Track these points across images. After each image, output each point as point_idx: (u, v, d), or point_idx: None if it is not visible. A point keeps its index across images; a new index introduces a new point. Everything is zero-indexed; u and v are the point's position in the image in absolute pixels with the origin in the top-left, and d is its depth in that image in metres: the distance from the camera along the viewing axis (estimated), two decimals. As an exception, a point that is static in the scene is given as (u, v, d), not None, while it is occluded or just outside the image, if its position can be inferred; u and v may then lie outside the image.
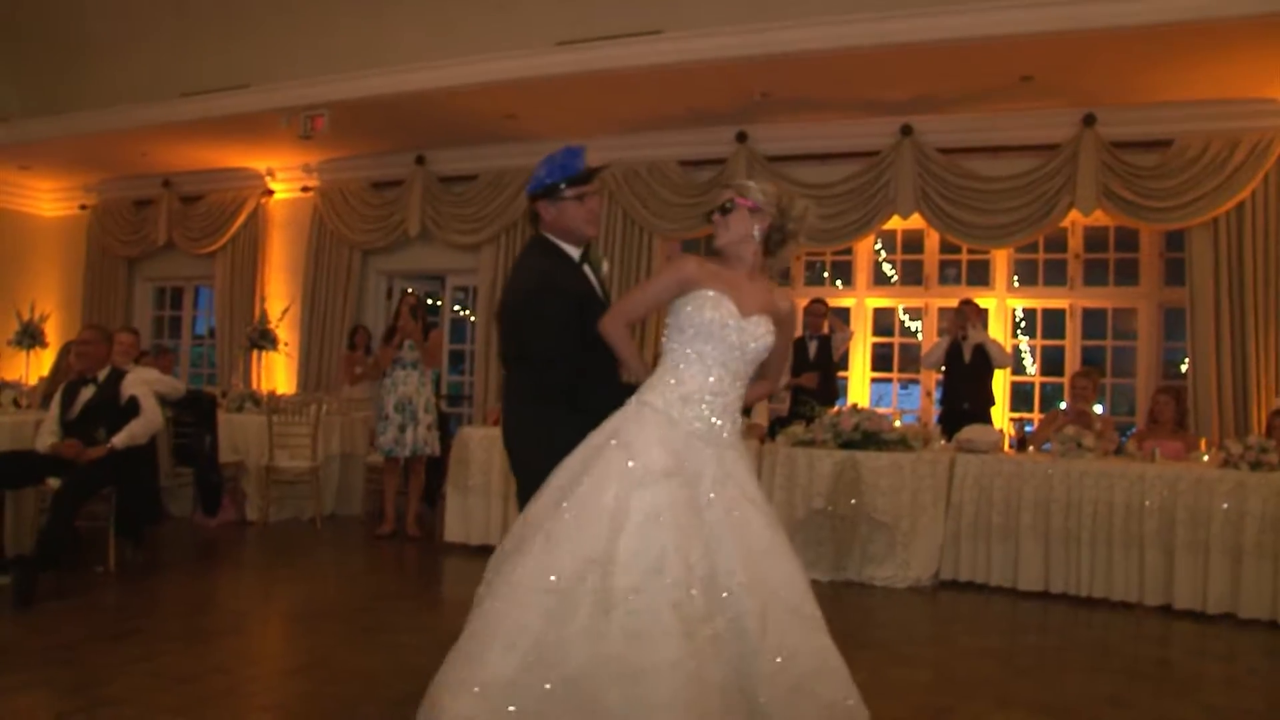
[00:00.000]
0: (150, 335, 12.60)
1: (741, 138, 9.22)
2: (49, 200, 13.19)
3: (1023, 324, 9.40)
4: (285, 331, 11.13)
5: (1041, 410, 9.09)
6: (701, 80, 8.10)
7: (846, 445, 6.77)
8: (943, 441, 7.22)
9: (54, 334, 11.38)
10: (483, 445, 7.48)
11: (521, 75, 8.35)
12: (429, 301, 11.64)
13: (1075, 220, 8.63)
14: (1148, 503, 6.11)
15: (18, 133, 10.86)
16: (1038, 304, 9.16)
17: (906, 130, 8.72)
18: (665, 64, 7.90)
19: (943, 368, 8.42)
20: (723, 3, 7.77)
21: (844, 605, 6.16)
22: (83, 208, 12.88)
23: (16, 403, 7.36)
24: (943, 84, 8.05)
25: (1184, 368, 8.43)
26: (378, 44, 8.93)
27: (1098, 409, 7.72)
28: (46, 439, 6.23)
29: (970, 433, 7.00)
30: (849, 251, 9.53)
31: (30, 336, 11.31)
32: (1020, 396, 9.37)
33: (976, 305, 8.47)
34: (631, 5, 8.03)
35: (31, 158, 11.61)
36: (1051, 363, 9.21)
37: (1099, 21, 6.70)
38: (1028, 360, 9.50)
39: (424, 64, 8.57)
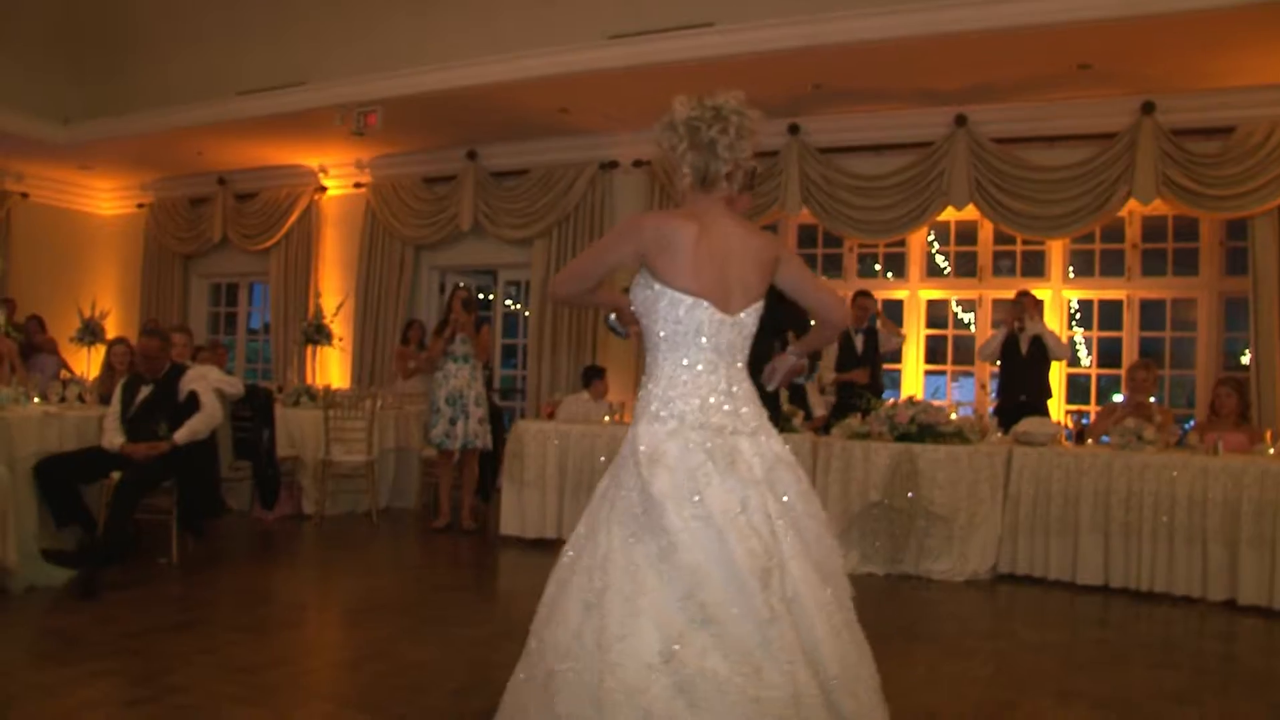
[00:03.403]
0: (206, 331, 12.83)
1: (794, 130, 9.17)
2: (108, 199, 13.45)
3: (1078, 315, 9.27)
4: (339, 326, 11.25)
5: (1098, 403, 8.96)
6: (753, 72, 8.04)
7: (903, 438, 6.71)
8: (999, 434, 7.14)
9: (113, 330, 11.57)
10: (538, 439, 7.52)
11: (572, 70, 8.38)
12: (481, 296, 11.72)
13: (1133, 210, 8.48)
14: (1211, 496, 6.00)
15: (77, 134, 11.08)
16: (1094, 295, 9.02)
17: (961, 120, 8.63)
18: (716, 56, 7.87)
19: (999, 360, 8.31)
20: (775, -6, 7.73)
21: (901, 599, 6.12)
22: (140, 206, 13.14)
23: (81, 398, 7.50)
24: (998, 73, 7.95)
25: (1245, 359, 8.26)
26: (429, 40, 8.99)
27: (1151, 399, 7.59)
28: (115, 438, 6.31)
29: (1027, 425, 6.91)
30: (902, 243, 9.44)
31: (91, 333, 11.52)
32: (1076, 389, 9.24)
33: (1034, 296, 8.36)
34: (682, -2, 8.03)
35: (91, 158, 11.85)
36: (1108, 355, 9.07)
37: (1159, 7, 6.57)
38: (1084, 352, 9.37)
39: (475, 60, 8.62)
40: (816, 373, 8.27)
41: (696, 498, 2.55)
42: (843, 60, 7.82)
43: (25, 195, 12.50)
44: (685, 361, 2.75)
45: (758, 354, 2.93)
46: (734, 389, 2.74)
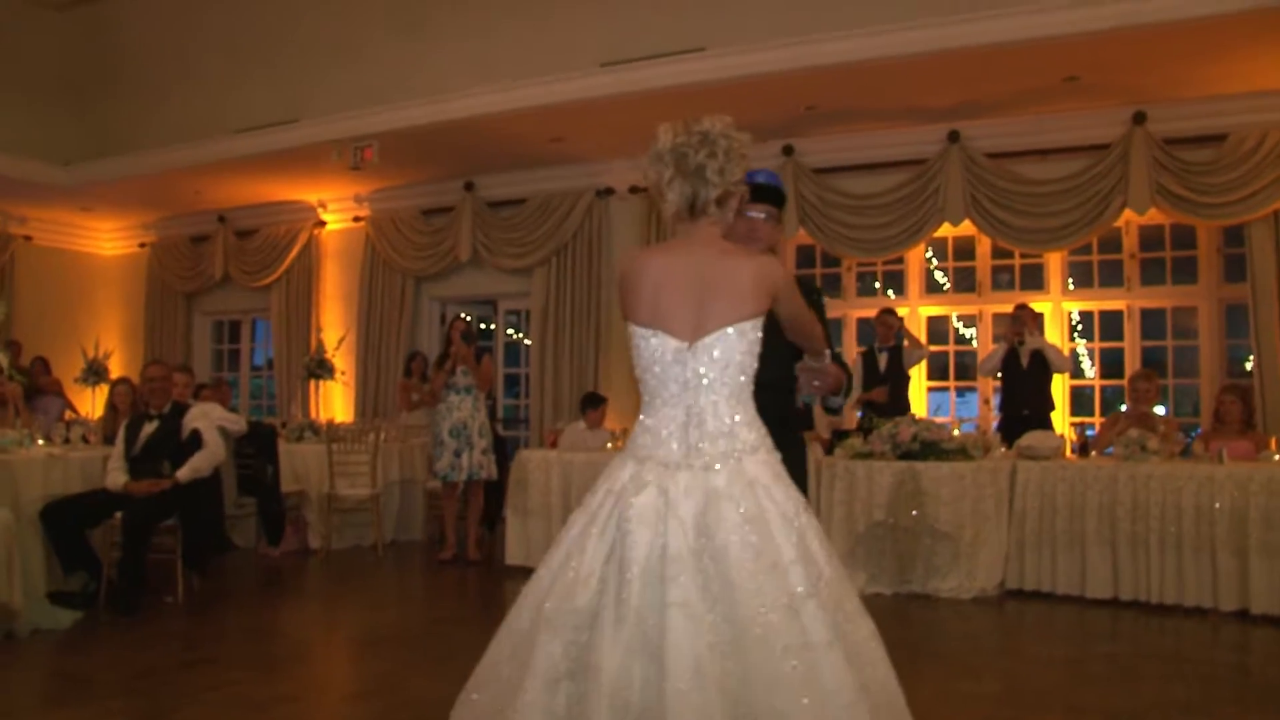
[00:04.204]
0: (210, 368, 12.86)
1: (788, 151, 9.20)
2: (110, 240, 13.52)
3: (1080, 327, 9.26)
4: (341, 360, 11.27)
5: (1102, 414, 8.94)
6: (746, 95, 8.08)
7: (905, 456, 6.71)
8: (1003, 449, 7.13)
9: (117, 370, 11.61)
10: (541, 468, 7.52)
11: (565, 98, 8.41)
12: (482, 326, 11.75)
13: (1130, 220, 8.49)
14: (1218, 505, 5.97)
15: (78, 175, 11.13)
16: (1094, 306, 9.02)
17: (953, 136, 8.65)
18: (709, 81, 7.89)
19: (1000, 374, 8.30)
20: (763, 18, 7.76)
21: (909, 618, 6.10)
22: (142, 245, 13.19)
23: (85, 439, 7.52)
24: (987, 88, 7.98)
25: (1249, 365, 8.25)
26: (422, 72, 9.03)
27: (1160, 410, 7.58)
28: (119, 477, 6.37)
29: (1030, 439, 6.90)
30: (900, 261, 9.45)
31: (95, 374, 11.56)
32: (1080, 401, 9.23)
33: (1032, 310, 8.37)
34: (672, 23, 8.06)
35: (92, 199, 11.90)
36: (1111, 365, 9.06)
37: (1144, 19, 6.58)
38: (1086, 364, 9.36)
39: (468, 91, 8.66)
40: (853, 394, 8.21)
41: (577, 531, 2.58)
42: (834, 81, 7.85)
43: (29, 238, 12.56)
44: (647, 397, 2.70)
45: (777, 377, 2.88)
46: (705, 419, 2.60)
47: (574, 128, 9.08)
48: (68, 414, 10.52)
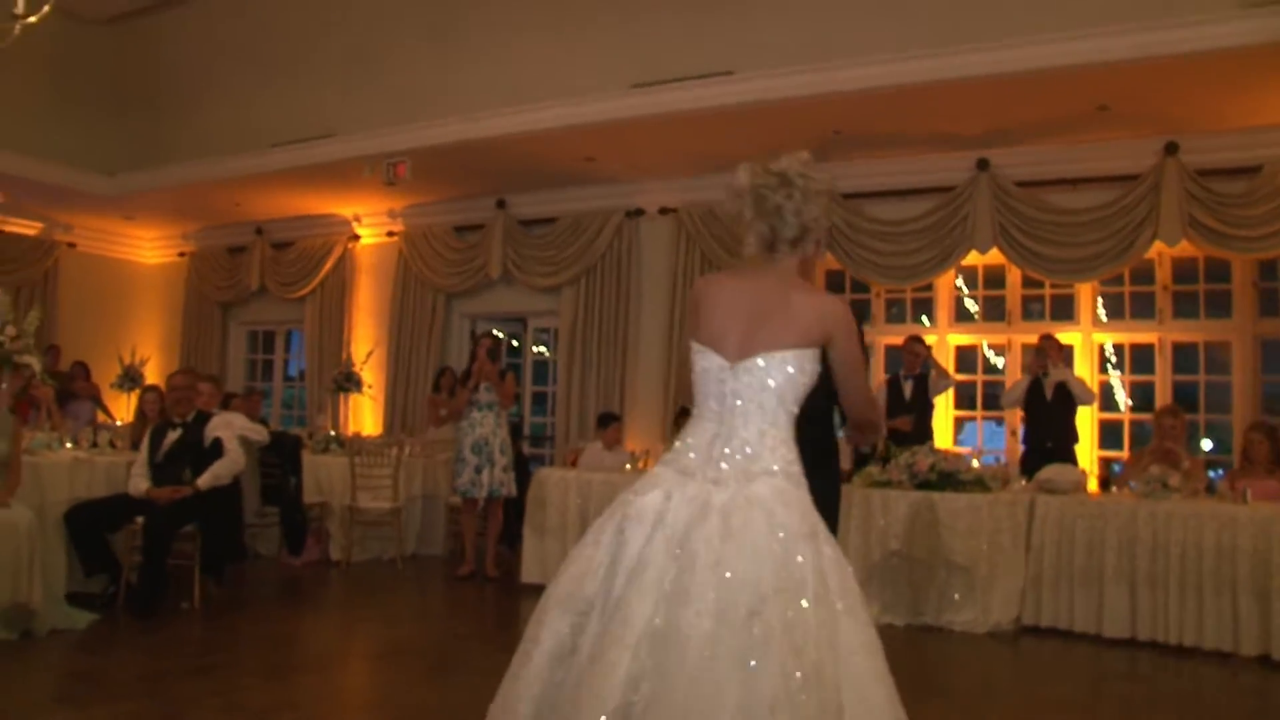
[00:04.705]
0: (244, 378, 13.04)
1: (817, 175, 9.16)
2: (151, 248, 13.78)
3: (1114, 359, 9.14)
4: (371, 374, 11.38)
5: (1132, 449, 8.81)
6: (774, 120, 8.11)
7: (923, 486, 6.65)
8: (1023, 481, 7.05)
9: (153, 377, 11.79)
10: (559, 486, 7.54)
11: (596, 119, 8.48)
12: (512, 343, 11.81)
13: (1163, 251, 8.38)
14: (1240, 545, 5.84)
15: (122, 185, 11.40)
16: (1125, 339, 8.90)
17: (983, 164, 8.60)
18: (737, 105, 7.95)
19: (1024, 406, 8.20)
20: (793, 42, 7.79)
21: (921, 651, 6.04)
22: (181, 255, 13.44)
23: (112, 444, 7.65)
24: (1018, 116, 7.93)
25: (1284, 403, 8.11)
26: (455, 90, 9.15)
27: (1207, 445, 7.40)
28: (141, 483, 6.48)
29: (1050, 473, 6.82)
30: (929, 288, 9.39)
31: (131, 379, 11.75)
32: (1110, 434, 9.09)
33: (1057, 341, 8.25)
34: (701, 47, 8.11)
35: (134, 208, 12.16)
36: (1142, 399, 8.92)
37: (1176, 48, 6.52)
38: (1120, 396, 9.22)
39: (499, 110, 8.76)
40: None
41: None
42: (863, 106, 7.85)
43: (73, 245, 12.84)
44: (694, 411, 2.79)
45: (818, 408, 2.92)
46: (731, 437, 2.67)
47: (604, 148, 9.14)
48: (101, 417, 10.70)
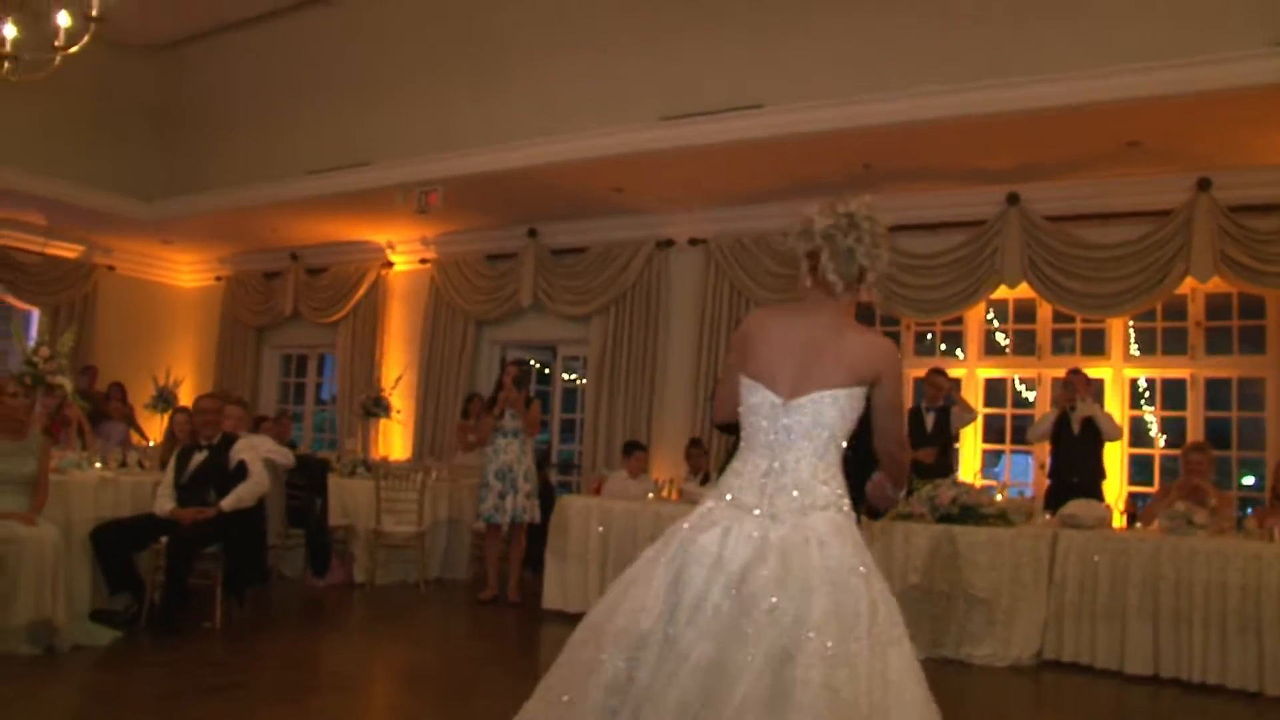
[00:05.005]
0: (276, 401, 13.18)
1: (846, 208, 9.16)
2: (188, 272, 14.01)
3: (1146, 394, 9.04)
4: (401, 399, 11.46)
5: (1162, 483, 8.69)
6: (804, 153, 8.14)
7: (944, 519, 6.60)
8: (1046, 516, 6.98)
9: (187, 399, 11.94)
10: (581, 514, 7.55)
11: (625, 150, 8.54)
12: (544, 371, 11.87)
13: (1195, 287, 8.30)
14: (1266, 583, 5.75)
15: (160, 210, 11.63)
16: (1157, 374, 8.81)
17: (1013, 199, 8.58)
18: (768, 137, 7.98)
19: (1051, 441, 8.12)
20: (821, 76, 7.81)
21: (939, 684, 5.89)
22: (218, 279, 13.65)
23: (141, 464, 7.75)
24: (1048, 152, 7.92)
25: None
26: (488, 121, 9.25)
27: (1248, 480, 7.28)
28: (166, 504, 6.57)
29: (1074, 507, 6.75)
30: (959, 321, 9.35)
31: (164, 400, 11.90)
32: (1142, 469, 8.98)
33: (1085, 376, 8.17)
34: (731, 80, 8.14)
35: (172, 233, 12.38)
36: (1174, 435, 8.81)
37: (1207, 85, 6.49)
38: (1153, 430, 9.11)
39: (530, 140, 8.85)
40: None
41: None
42: (892, 140, 7.86)
43: (112, 268, 13.08)
44: (744, 444, 2.86)
45: (857, 441, 2.95)
46: (784, 471, 2.75)
47: (634, 179, 9.21)
48: (135, 438, 10.84)
